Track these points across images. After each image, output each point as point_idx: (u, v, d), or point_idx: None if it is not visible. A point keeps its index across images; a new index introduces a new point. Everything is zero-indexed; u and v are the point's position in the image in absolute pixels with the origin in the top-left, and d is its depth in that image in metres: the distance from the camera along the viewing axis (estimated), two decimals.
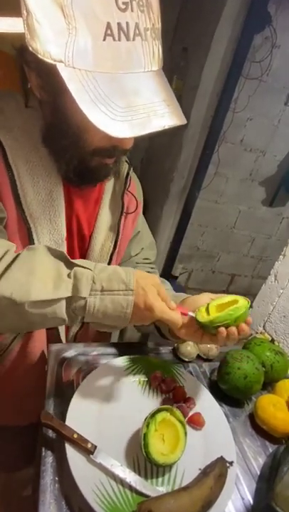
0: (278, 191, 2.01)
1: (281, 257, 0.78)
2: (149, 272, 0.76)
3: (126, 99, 0.39)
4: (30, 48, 0.37)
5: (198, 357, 0.70)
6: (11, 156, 0.49)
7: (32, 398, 0.62)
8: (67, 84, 0.37)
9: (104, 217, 0.63)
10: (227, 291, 2.41)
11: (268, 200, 2.06)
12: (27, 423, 0.71)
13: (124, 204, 0.64)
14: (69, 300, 0.43)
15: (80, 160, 0.49)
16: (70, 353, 0.62)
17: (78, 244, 0.63)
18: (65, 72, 0.38)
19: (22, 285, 0.40)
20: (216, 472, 0.44)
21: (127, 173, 0.64)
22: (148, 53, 0.41)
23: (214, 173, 1.82)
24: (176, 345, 0.70)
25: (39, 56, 0.37)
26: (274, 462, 0.48)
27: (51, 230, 0.55)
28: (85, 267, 0.45)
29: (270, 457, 0.52)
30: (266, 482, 0.46)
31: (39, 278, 0.41)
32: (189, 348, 0.68)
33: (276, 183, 2.00)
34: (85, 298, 0.43)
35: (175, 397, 0.57)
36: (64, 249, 0.58)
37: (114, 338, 1.65)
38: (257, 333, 0.83)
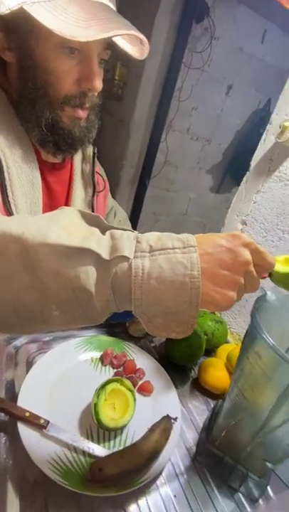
0: (224, 178, 2.13)
1: (222, 228, 0.85)
2: None
3: (90, 12, 0.41)
4: None
5: (148, 333, 0.74)
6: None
7: None
8: (34, 16, 0.39)
9: (78, 196, 0.65)
10: None
11: (215, 188, 2.18)
12: None
13: (95, 183, 0.67)
14: (104, 263, 0.28)
15: (51, 113, 0.49)
16: (20, 341, 0.63)
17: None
18: (31, 11, 0.39)
19: (40, 227, 0.28)
20: (162, 428, 0.49)
21: (94, 153, 0.67)
22: None
23: (164, 162, 1.88)
24: (127, 323, 0.73)
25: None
26: (212, 414, 0.55)
27: (28, 204, 0.55)
28: (125, 229, 0.32)
29: (210, 411, 0.59)
30: (206, 431, 0.53)
31: (64, 226, 0.29)
32: (140, 326, 0.72)
33: (222, 171, 2.12)
34: (128, 258, 0.28)
35: (126, 369, 0.61)
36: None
37: None
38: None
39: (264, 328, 0.36)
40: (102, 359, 0.62)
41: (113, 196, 1.83)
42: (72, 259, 0.27)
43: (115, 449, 0.48)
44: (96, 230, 0.31)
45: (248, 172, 0.77)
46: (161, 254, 0.29)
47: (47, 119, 0.50)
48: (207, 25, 1.60)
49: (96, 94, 0.52)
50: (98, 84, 0.49)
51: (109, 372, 0.61)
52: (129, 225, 0.87)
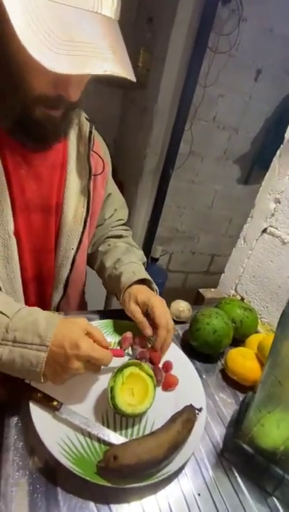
0: (252, 169, 2.03)
1: (249, 219, 0.79)
2: (122, 234, 0.76)
3: (68, 32, 0.36)
4: None
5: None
6: None
7: None
8: (7, 10, 0.33)
9: (73, 182, 0.60)
10: (208, 272, 2.45)
11: (242, 179, 2.07)
12: None
13: (91, 166, 0.61)
14: None
15: (22, 108, 0.45)
16: None
17: (54, 218, 0.60)
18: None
19: None
20: (184, 417, 0.44)
21: (90, 132, 0.60)
22: None
23: (188, 152, 1.81)
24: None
25: None
26: (242, 407, 0.49)
27: None
28: (3, 313, 0.42)
29: (239, 404, 0.53)
30: (234, 425, 0.47)
31: None
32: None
33: (250, 161, 2.01)
34: None
35: (151, 360, 0.56)
36: (13, 245, 0.54)
37: (101, 305, 1.65)
38: (229, 296, 0.84)
39: None
40: (120, 343, 0.58)
41: (135, 187, 1.79)
42: None
43: (132, 438, 0.44)
44: None
45: (281, 145, 0.70)
46: (20, 347, 0.41)
47: (17, 113, 0.46)
48: (234, 7, 1.52)
49: (76, 98, 0.45)
50: (73, 93, 0.44)
51: (127, 357, 0.57)
52: (125, 214, 0.79)
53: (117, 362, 0.54)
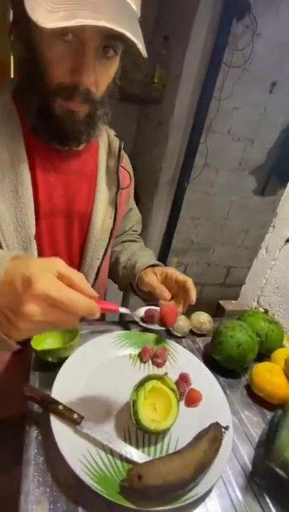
0: (269, 180, 2.01)
1: (271, 228, 0.77)
2: (135, 239, 0.80)
3: (74, 7, 0.35)
4: None
5: (192, 332, 0.68)
6: None
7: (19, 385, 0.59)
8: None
9: (102, 193, 0.62)
10: (224, 284, 2.40)
11: (259, 190, 2.05)
12: (15, 416, 0.68)
13: (119, 179, 0.63)
14: None
15: (43, 100, 0.46)
16: None
17: (78, 225, 0.61)
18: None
19: None
20: (210, 436, 0.41)
21: (119, 148, 0.63)
22: None
23: (203, 164, 1.82)
24: None
25: None
26: (272, 426, 0.46)
27: (17, 228, 0.52)
28: None
29: (268, 423, 0.50)
30: (264, 446, 0.44)
31: None
32: (181, 323, 0.65)
33: (266, 172, 1.99)
34: None
35: (163, 320, 0.55)
36: (34, 249, 0.54)
37: (115, 318, 1.62)
38: (251, 308, 0.81)
39: None
40: (140, 356, 0.57)
41: (151, 199, 1.81)
42: None
43: (156, 457, 0.42)
44: None
45: None
46: None
47: (39, 106, 0.47)
48: (248, 23, 1.55)
49: (93, 88, 0.45)
50: (87, 79, 0.43)
51: (148, 370, 0.55)
52: (140, 228, 0.83)
53: (136, 373, 0.53)
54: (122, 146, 0.64)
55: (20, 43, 0.46)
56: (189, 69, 1.39)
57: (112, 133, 0.65)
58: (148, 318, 0.51)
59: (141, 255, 0.72)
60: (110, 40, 0.42)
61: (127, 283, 0.70)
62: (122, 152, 0.64)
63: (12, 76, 0.76)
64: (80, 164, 0.59)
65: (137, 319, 0.59)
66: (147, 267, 0.66)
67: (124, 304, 1.65)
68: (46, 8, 0.35)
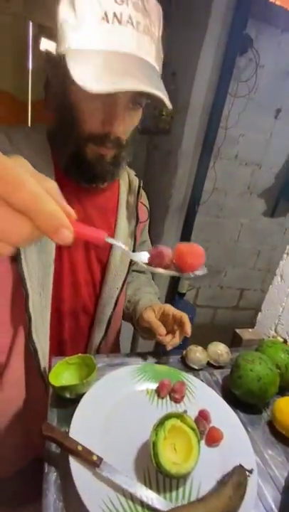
0: (278, 202, 2.02)
1: (285, 255, 0.77)
2: (144, 272, 0.82)
3: (109, 66, 0.42)
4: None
5: (209, 364, 0.67)
6: None
7: (37, 427, 0.57)
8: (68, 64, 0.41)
9: (123, 226, 0.66)
10: (237, 307, 2.36)
11: (268, 212, 2.06)
12: (31, 457, 0.67)
13: (138, 214, 0.68)
14: None
15: (76, 146, 0.51)
16: None
17: (98, 256, 0.64)
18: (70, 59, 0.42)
19: None
20: (235, 481, 0.40)
21: (139, 186, 0.69)
22: (137, 40, 0.44)
23: (212, 189, 1.85)
24: (184, 352, 0.67)
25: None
26: None
27: (40, 250, 0.54)
28: None
29: None
30: None
31: None
32: (198, 355, 0.65)
33: (275, 194, 2.01)
34: None
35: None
36: (51, 273, 0.56)
37: (126, 350, 1.61)
38: (269, 337, 0.80)
39: None
40: (158, 391, 0.56)
41: (162, 224, 1.83)
42: None
43: (178, 503, 0.40)
44: None
45: None
46: None
47: (72, 150, 0.52)
48: (251, 56, 1.63)
49: (122, 136, 0.51)
50: (117, 129, 0.49)
51: (166, 406, 0.54)
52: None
53: (154, 410, 0.52)
54: (142, 185, 0.70)
55: (53, 96, 0.52)
56: (196, 102, 1.45)
57: (133, 173, 0.71)
58: (156, 257, 0.40)
59: (145, 292, 0.75)
60: (138, 96, 0.48)
61: (129, 317, 0.74)
62: (141, 190, 0.69)
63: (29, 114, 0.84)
64: (103, 200, 0.63)
65: (140, 262, 0.43)
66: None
67: (133, 343, 1.63)
68: (91, 76, 0.40)
